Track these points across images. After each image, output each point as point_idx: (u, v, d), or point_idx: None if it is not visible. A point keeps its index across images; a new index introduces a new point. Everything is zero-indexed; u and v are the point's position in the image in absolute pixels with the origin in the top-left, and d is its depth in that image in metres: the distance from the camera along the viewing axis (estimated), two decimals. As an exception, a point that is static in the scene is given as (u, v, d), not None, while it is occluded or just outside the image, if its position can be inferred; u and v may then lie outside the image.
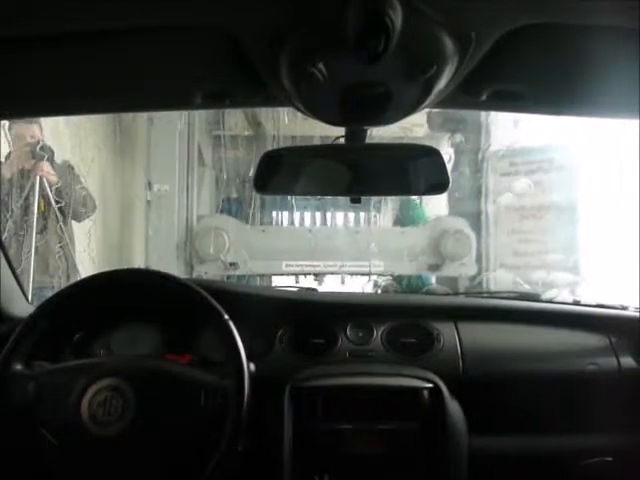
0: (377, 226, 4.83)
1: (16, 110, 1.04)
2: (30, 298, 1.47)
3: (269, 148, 2.63)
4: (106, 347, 1.19)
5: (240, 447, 1.00)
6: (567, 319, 1.34)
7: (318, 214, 4.79)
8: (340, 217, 4.86)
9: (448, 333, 1.27)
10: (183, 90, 0.86)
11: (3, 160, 2.58)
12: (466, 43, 0.66)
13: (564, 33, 0.68)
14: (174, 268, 3.70)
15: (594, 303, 1.41)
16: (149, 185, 4.00)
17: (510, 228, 4.10)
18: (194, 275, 3.89)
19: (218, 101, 0.89)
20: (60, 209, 2.76)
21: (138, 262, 3.89)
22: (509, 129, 4.02)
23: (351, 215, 5.01)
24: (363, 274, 4.01)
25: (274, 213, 4.66)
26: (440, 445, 1.16)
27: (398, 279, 4.03)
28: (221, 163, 4.49)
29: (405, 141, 3.29)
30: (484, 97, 0.83)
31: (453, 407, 1.17)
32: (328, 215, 4.80)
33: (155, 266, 3.12)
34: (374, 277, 3.97)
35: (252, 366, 1.02)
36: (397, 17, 0.57)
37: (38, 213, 2.69)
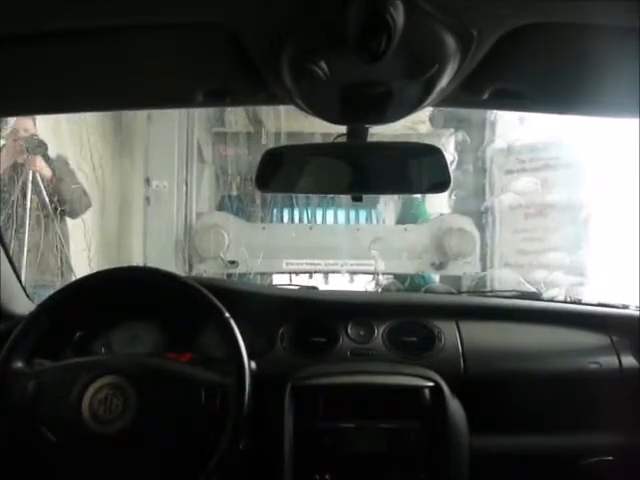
0: (379, 224, 4.78)
1: (16, 108, 1.03)
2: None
3: (270, 146, 2.62)
4: (107, 345, 1.19)
5: (241, 445, 1.00)
6: (568, 318, 1.34)
7: (319, 212, 4.77)
8: (341, 215, 4.84)
9: (449, 332, 1.27)
10: (184, 88, 0.86)
11: None
12: (468, 42, 0.66)
13: (565, 32, 0.68)
14: (173, 266, 3.66)
15: (595, 302, 1.41)
16: (148, 181, 3.93)
17: (515, 226, 4.05)
18: (193, 273, 3.84)
19: (219, 99, 0.89)
20: (53, 205, 2.71)
21: (136, 260, 3.83)
22: (515, 126, 3.97)
23: (352, 213, 4.99)
24: (365, 272, 3.98)
25: (275, 211, 4.63)
26: (441, 444, 1.16)
27: (400, 278, 4.01)
28: (221, 160, 4.47)
29: (407, 138, 3.27)
30: (485, 96, 0.83)
31: (454, 406, 1.17)
32: (329, 213, 4.78)
33: (153, 264, 3.11)
34: (376, 275, 3.95)
35: (253, 364, 1.02)
36: (398, 16, 0.57)
37: (30, 209, 2.64)
